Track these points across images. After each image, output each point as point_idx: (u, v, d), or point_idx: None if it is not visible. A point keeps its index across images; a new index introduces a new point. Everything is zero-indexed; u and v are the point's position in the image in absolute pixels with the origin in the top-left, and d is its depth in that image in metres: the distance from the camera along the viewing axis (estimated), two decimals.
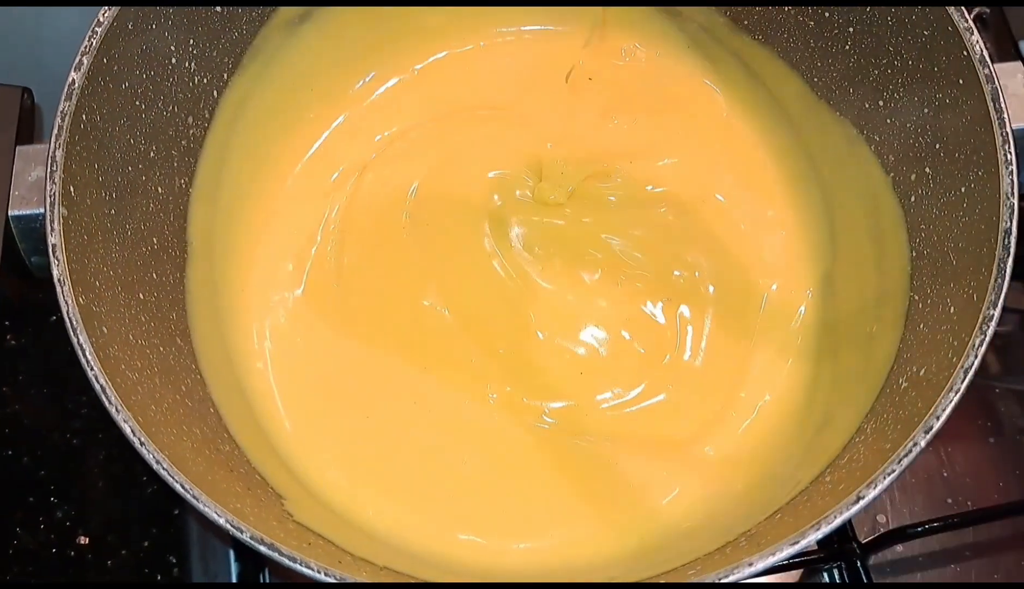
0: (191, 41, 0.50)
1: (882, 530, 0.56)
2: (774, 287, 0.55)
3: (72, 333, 0.41)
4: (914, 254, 0.50)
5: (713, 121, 0.58)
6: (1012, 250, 0.42)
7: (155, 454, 0.40)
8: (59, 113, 0.44)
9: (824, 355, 0.53)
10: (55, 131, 0.43)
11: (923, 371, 0.45)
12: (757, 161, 0.58)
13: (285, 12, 0.55)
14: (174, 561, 0.55)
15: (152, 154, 0.49)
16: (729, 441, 0.52)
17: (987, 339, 0.41)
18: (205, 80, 0.52)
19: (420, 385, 0.52)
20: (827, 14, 0.52)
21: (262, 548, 0.39)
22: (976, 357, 0.41)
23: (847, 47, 0.52)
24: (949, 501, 0.58)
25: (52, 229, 0.42)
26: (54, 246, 0.42)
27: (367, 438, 0.51)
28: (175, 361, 0.48)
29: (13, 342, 0.60)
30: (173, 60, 0.50)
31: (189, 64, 0.51)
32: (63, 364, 0.58)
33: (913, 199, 0.50)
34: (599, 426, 0.52)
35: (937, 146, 0.48)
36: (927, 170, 0.49)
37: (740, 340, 0.54)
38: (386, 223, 0.56)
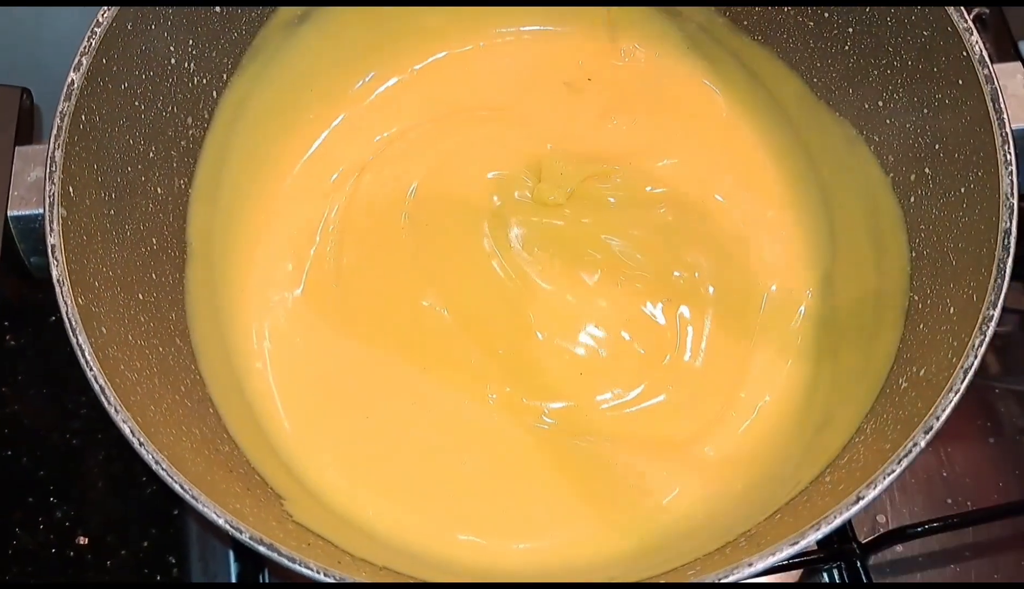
0: (190, 42, 0.50)
1: (882, 530, 0.56)
2: (774, 288, 0.55)
3: (71, 333, 0.41)
4: (914, 254, 0.50)
5: (713, 122, 0.58)
6: (1012, 250, 0.42)
7: (154, 454, 0.40)
8: (58, 113, 0.44)
9: (824, 355, 0.53)
10: (54, 131, 0.43)
11: (923, 371, 0.45)
12: (757, 162, 0.58)
13: (284, 12, 0.55)
14: (173, 561, 0.55)
15: (151, 154, 0.49)
16: (729, 441, 0.52)
17: (987, 339, 0.41)
18: (204, 81, 0.52)
19: (420, 385, 0.52)
20: (827, 14, 0.52)
21: (261, 548, 0.39)
22: (976, 357, 0.41)
23: (847, 47, 0.52)
24: (949, 501, 0.58)
25: (51, 229, 0.42)
26: (53, 247, 0.42)
27: (366, 438, 0.51)
28: (174, 361, 0.48)
29: (12, 342, 0.60)
30: (172, 60, 0.50)
31: (188, 64, 0.51)
32: (62, 364, 0.58)
33: (913, 199, 0.50)
34: (599, 426, 0.52)
35: (937, 146, 0.48)
36: (927, 170, 0.49)
37: (740, 340, 0.54)
38: (385, 223, 0.56)
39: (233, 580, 0.54)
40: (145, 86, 0.48)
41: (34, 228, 0.47)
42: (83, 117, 0.44)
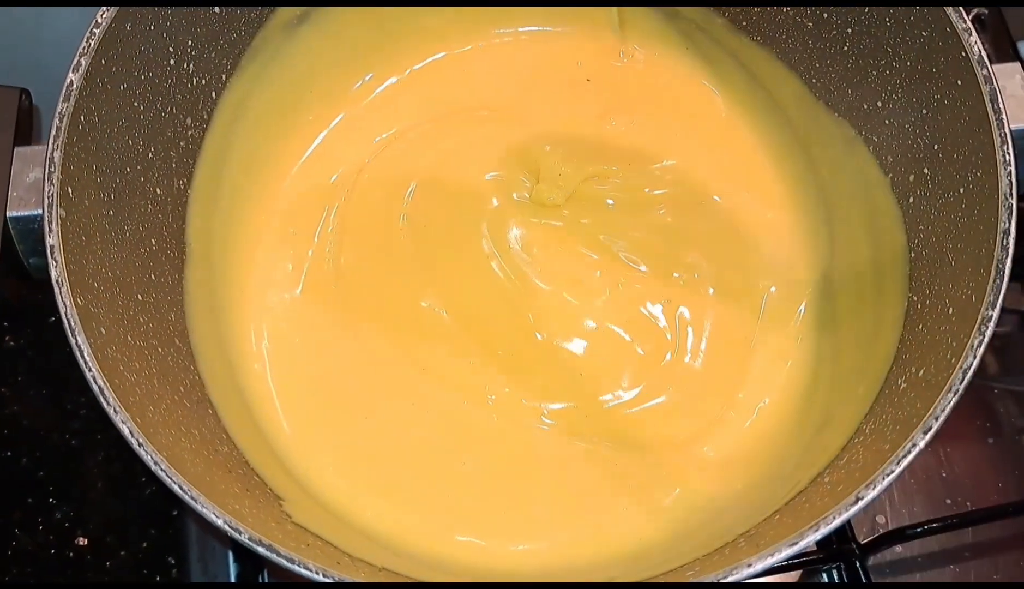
0: (189, 42, 0.50)
1: (881, 531, 0.56)
2: (773, 289, 0.55)
3: (70, 334, 0.41)
4: (913, 255, 0.50)
5: (712, 122, 0.58)
6: (1011, 250, 0.42)
7: (153, 455, 0.40)
8: (57, 114, 0.44)
9: (823, 356, 0.53)
10: (53, 132, 0.43)
11: (922, 372, 0.45)
12: (756, 162, 0.57)
13: (283, 13, 0.55)
14: (173, 562, 0.55)
15: (150, 155, 0.49)
16: (729, 441, 0.52)
17: (986, 339, 0.41)
18: (204, 81, 0.52)
19: (419, 386, 0.52)
20: (825, 15, 0.52)
21: (260, 549, 0.39)
22: (975, 358, 0.41)
23: (845, 48, 0.52)
24: (948, 502, 0.58)
25: (50, 230, 0.42)
26: (52, 247, 0.42)
27: (366, 439, 0.51)
28: (173, 362, 0.48)
29: (12, 343, 0.60)
30: (171, 61, 0.50)
31: (188, 65, 0.51)
32: (62, 365, 0.58)
33: (912, 200, 0.50)
34: (599, 427, 0.52)
35: (935, 147, 0.48)
36: (925, 171, 0.49)
37: (739, 341, 0.54)
38: (384, 224, 0.56)
39: (232, 581, 0.54)
40: (144, 87, 0.48)
41: (33, 229, 0.47)
42: (82, 118, 0.44)
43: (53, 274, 0.42)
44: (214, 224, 0.54)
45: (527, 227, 0.55)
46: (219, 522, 0.39)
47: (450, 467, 0.51)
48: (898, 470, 0.39)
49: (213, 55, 0.52)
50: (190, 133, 0.52)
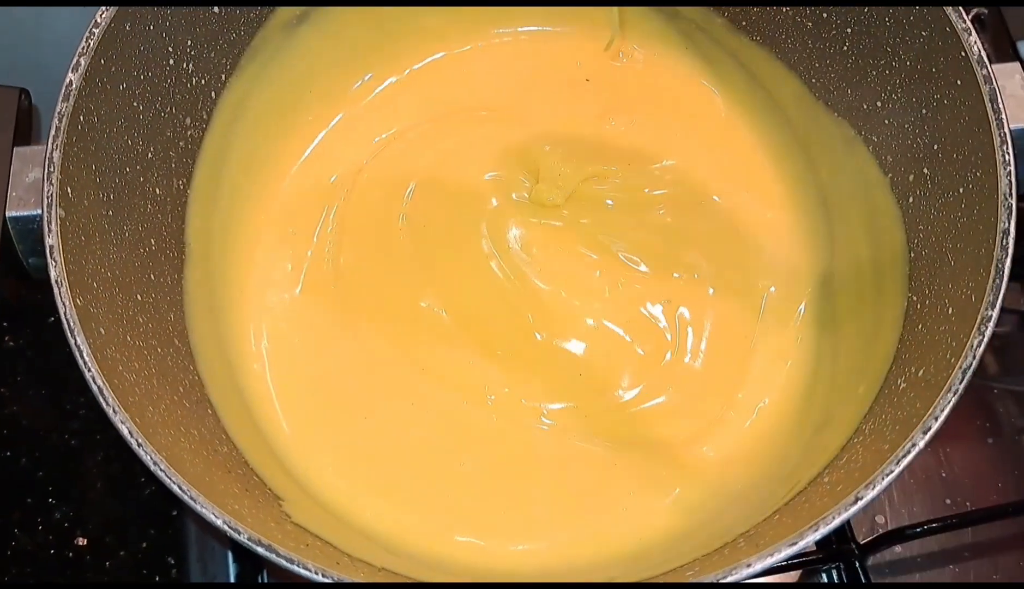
0: (189, 42, 0.50)
1: (881, 531, 0.56)
2: (773, 289, 0.55)
3: (69, 334, 0.41)
4: (912, 255, 0.50)
5: (711, 122, 0.58)
6: (1010, 250, 0.42)
7: (152, 455, 0.40)
8: (56, 114, 0.44)
9: (823, 356, 0.53)
10: (52, 132, 0.43)
11: (921, 371, 0.45)
12: (755, 162, 0.58)
13: (283, 13, 0.55)
14: (172, 562, 0.55)
15: (150, 155, 0.49)
16: (728, 442, 0.52)
17: (985, 339, 0.41)
18: (203, 81, 0.52)
19: (418, 386, 0.52)
20: (825, 15, 0.52)
21: (260, 549, 0.39)
22: (974, 357, 0.41)
23: (845, 48, 0.52)
24: (948, 502, 0.57)
25: (49, 230, 0.42)
26: (51, 247, 0.42)
27: (365, 439, 0.51)
28: (173, 362, 0.48)
29: (11, 343, 0.60)
30: (171, 61, 0.50)
31: (187, 65, 0.51)
32: (61, 365, 0.58)
33: (911, 200, 0.50)
34: (598, 427, 0.52)
35: (935, 147, 0.48)
36: (925, 171, 0.49)
37: (739, 341, 0.54)
38: (384, 224, 0.56)
39: (232, 581, 0.54)
40: (143, 87, 0.48)
41: (32, 229, 0.47)
42: (81, 118, 0.44)
43: (52, 274, 0.42)
44: (213, 224, 0.54)
45: (526, 227, 0.55)
46: (218, 522, 0.39)
47: (450, 467, 0.51)
48: (897, 470, 0.39)
49: (212, 55, 0.52)
50: (189, 133, 0.52)
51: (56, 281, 0.42)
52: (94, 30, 0.45)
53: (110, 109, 0.46)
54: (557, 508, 0.50)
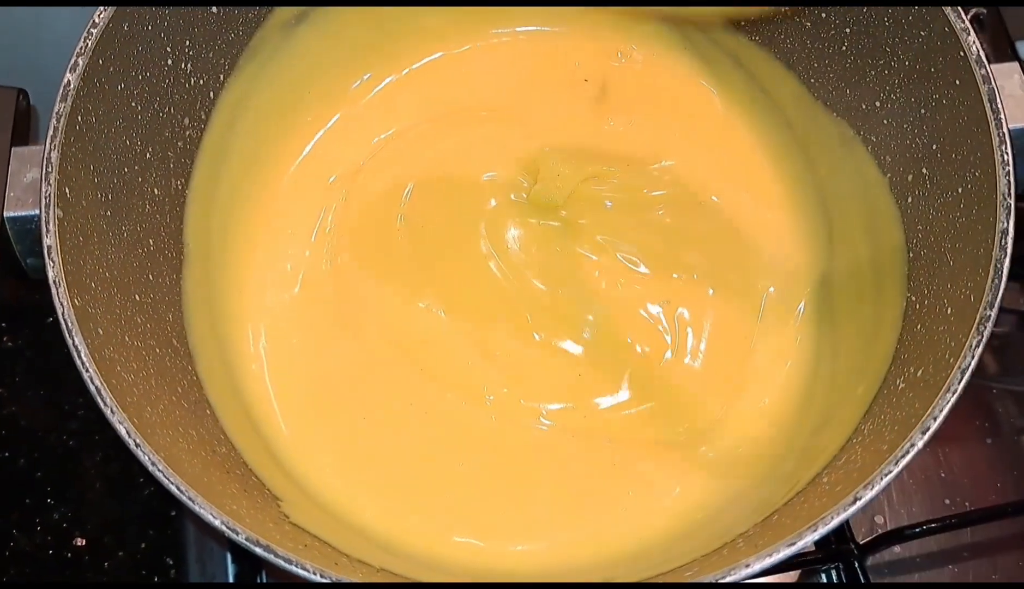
0: (187, 42, 0.50)
1: (880, 531, 0.56)
2: (772, 289, 0.55)
3: (67, 335, 0.41)
4: (911, 255, 0.50)
5: (710, 122, 0.58)
6: (1009, 250, 0.42)
7: (151, 456, 0.40)
8: (54, 114, 0.44)
9: (822, 356, 0.53)
10: (50, 132, 0.43)
11: (920, 372, 0.45)
12: (754, 162, 0.57)
13: (282, 13, 0.55)
14: (171, 563, 0.55)
15: (148, 155, 0.49)
16: (728, 442, 0.52)
17: (984, 339, 0.41)
18: (201, 81, 0.52)
19: (417, 387, 0.52)
20: (824, 15, 0.52)
21: (258, 550, 0.39)
22: (973, 358, 0.41)
23: (844, 48, 0.52)
24: (947, 502, 0.58)
25: (47, 231, 0.42)
26: (49, 248, 0.42)
27: (364, 440, 0.51)
28: (171, 363, 0.48)
29: (9, 343, 0.60)
30: (169, 61, 0.50)
31: (185, 65, 0.51)
32: (60, 366, 0.58)
33: (910, 200, 0.50)
34: (597, 428, 0.52)
35: (934, 147, 0.48)
36: (924, 171, 0.49)
37: (739, 342, 0.54)
38: (382, 224, 0.56)
39: (230, 581, 0.54)
40: (142, 87, 0.48)
41: (30, 229, 0.47)
42: (79, 118, 0.44)
43: (50, 274, 0.42)
44: (212, 224, 0.54)
45: (525, 228, 0.55)
46: (217, 523, 0.39)
47: (448, 467, 0.51)
48: (896, 470, 0.39)
49: (211, 55, 0.52)
50: (188, 133, 0.52)
51: (54, 281, 0.42)
52: (92, 30, 0.45)
53: (108, 109, 0.46)
54: (556, 508, 0.50)
